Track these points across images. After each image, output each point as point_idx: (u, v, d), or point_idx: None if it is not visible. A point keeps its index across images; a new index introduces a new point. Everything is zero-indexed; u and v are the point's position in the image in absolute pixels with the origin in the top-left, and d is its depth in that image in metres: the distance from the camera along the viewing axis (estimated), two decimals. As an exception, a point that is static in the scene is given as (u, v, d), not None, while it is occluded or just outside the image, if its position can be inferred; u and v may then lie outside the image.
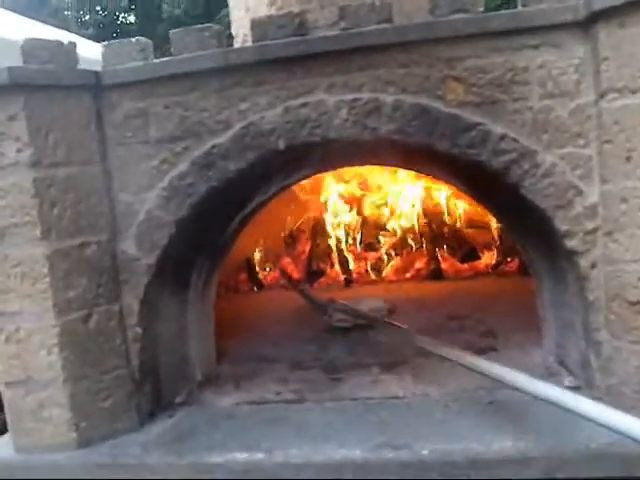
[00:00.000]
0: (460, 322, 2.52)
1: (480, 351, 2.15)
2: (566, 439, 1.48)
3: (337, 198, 3.50)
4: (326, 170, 2.08)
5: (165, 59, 1.66)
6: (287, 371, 2.14)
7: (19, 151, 1.58)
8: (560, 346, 1.90)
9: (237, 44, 2.14)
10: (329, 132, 1.60)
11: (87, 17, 15.81)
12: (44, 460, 1.66)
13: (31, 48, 1.57)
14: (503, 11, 1.57)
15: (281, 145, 1.62)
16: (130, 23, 16.85)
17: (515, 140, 1.57)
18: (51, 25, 4.73)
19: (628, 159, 1.45)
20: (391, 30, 1.56)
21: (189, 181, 1.67)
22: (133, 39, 1.67)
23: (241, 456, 1.56)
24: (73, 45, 1.66)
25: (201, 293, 2.09)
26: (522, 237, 1.96)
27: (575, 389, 1.74)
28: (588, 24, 1.49)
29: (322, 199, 3.52)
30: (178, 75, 1.65)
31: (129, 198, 1.72)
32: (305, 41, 1.58)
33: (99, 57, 1.72)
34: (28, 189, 1.59)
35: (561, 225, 1.57)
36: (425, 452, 1.49)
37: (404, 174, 3.30)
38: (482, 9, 1.54)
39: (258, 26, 1.60)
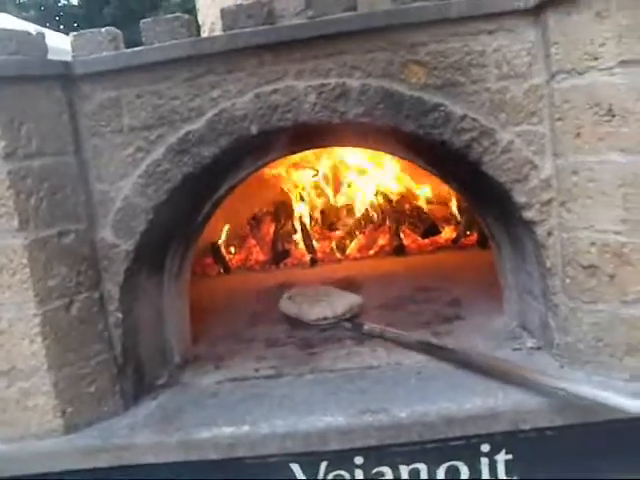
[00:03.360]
0: (426, 293, 2.64)
1: (446, 319, 2.28)
2: (530, 393, 1.62)
3: (301, 179, 3.56)
4: (295, 152, 2.15)
5: (137, 49, 1.69)
6: (263, 349, 2.21)
7: (-9, 143, 1.60)
8: (521, 311, 2.04)
9: (204, 33, 2.18)
10: (299, 116, 1.67)
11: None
12: (32, 448, 1.69)
13: (-2, 39, 1.58)
14: (460, -1, 1.65)
15: (253, 130, 1.67)
16: (73, 6, 16.32)
17: (475, 120, 1.67)
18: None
19: (578, 135, 1.56)
20: (356, 18, 1.63)
21: (165, 167, 1.71)
22: (103, 29, 1.69)
23: (228, 430, 1.64)
24: (42, 35, 1.68)
25: (176, 277, 2.14)
26: (483, 211, 2.07)
27: (537, 349, 1.89)
28: (538, 11, 1.59)
29: (285, 181, 3.58)
30: (150, 64, 1.68)
31: (105, 187, 1.75)
32: (274, 29, 1.64)
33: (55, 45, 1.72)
34: (3, 181, 1.60)
35: (519, 197, 1.68)
36: (403, 415, 1.60)
37: (366, 154, 3.39)
38: (441, -4, 1.62)
39: (228, 15, 1.64)
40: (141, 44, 1.71)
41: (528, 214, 1.69)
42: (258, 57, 1.66)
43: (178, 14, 1.69)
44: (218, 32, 1.84)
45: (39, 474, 1.66)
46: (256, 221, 3.66)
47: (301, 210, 3.58)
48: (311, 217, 3.58)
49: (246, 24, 1.64)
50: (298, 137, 1.83)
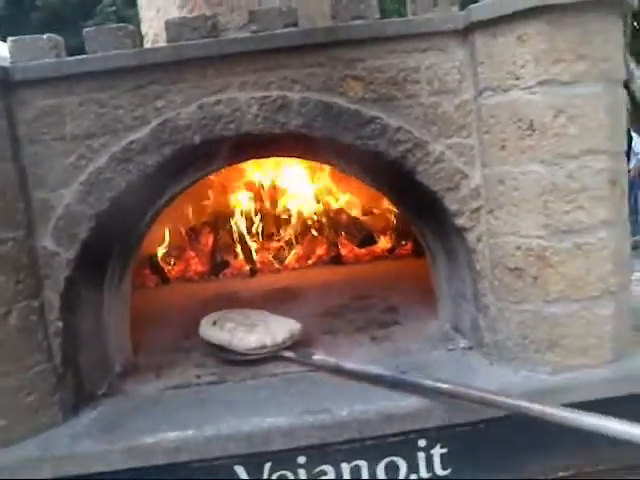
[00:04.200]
0: (363, 301, 2.72)
1: (384, 325, 2.37)
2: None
3: (238, 191, 3.60)
4: (237, 162, 2.19)
5: (80, 57, 1.70)
6: (203, 358, 2.22)
7: None
8: (454, 314, 2.15)
9: (147, 43, 2.20)
10: (242, 127, 1.72)
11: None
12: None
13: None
14: (396, 18, 1.76)
15: (197, 140, 1.71)
16: (-5, 8, 15.66)
17: (409, 132, 1.77)
18: None
19: (503, 147, 1.69)
20: (297, 33, 1.71)
21: (108, 176, 1.72)
22: (44, 36, 1.69)
23: (172, 434, 1.65)
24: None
25: (116, 287, 2.13)
26: (418, 219, 2.18)
27: (469, 349, 2.00)
28: (467, 33, 1.72)
29: (224, 193, 3.61)
30: (94, 73, 1.70)
31: (45, 194, 1.74)
32: (218, 42, 1.69)
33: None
34: (-61, 188, 1.58)
35: (450, 205, 1.79)
36: (343, 413, 1.66)
37: (304, 166, 3.47)
38: (378, 16, 1.72)
39: (172, 27, 1.68)
40: (74, 50, 1.72)
41: (459, 221, 1.80)
42: (202, 69, 1.70)
43: (122, 24, 1.71)
44: (162, 43, 1.88)
45: (-25, 488, 1.63)
46: (194, 232, 3.66)
47: (239, 221, 3.61)
48: (249, 228, 3.62)
49: (190, 36, 1.68)
50: (240, 147, 1.88)
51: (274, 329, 2.12)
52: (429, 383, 1.68)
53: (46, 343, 1.77)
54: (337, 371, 1.91)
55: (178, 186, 2.01)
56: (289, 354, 2.06)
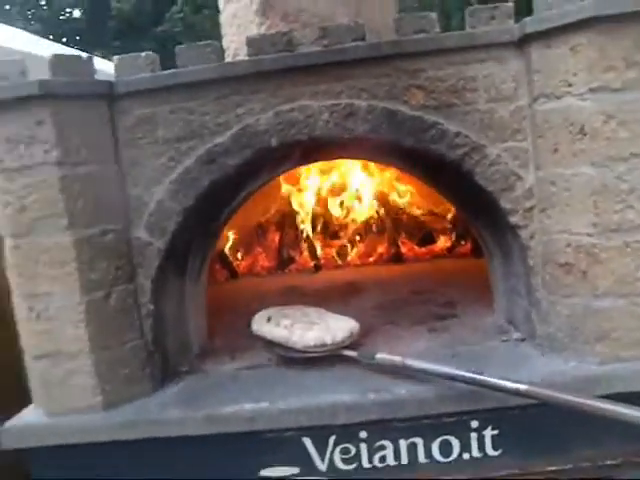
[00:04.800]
0: (422, 296, 2.86)
1: (441, 318, 2.51)
2: (515, 373, 1.84)
3: (304, 190, 3.80)
4: (306, 164, 2.39)
5: (171, 71, 1.92)
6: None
7: (46, 152, 1.82)
8: (509, 309, 2.27)
9: (228, 57, 2.42)
10: (314, 132, 1.91)
11: (31, 12, 15.57)
12: (75, 421, 1.90)
13: (57, 62, 1.81)
14: (456, 32, 1.90)
15: (273, 143, 1.91)
16: (76, 19, 16.62)
17: (467, 136, 1.91)
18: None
19: (555, 150, 1.81)
20: (364, 47, 1.88)
21: (194, 175, 1.94)
22: (143, 54, 1.93)
23: (248, 406, 1.85)
24: (90, 59, 1.91)
25: (196, 276, 2.36)
26: (475, 218, 2.31)
27: (522, 341, 2.12)
28: (522, 44, 1.84)
29: (290, 192, 3.82)
30: (183, 84, 1.92)
31: (140, 192, 1.98)
32: (292, 56, 1.88)
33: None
34: (55, 185, 1.83)
35: (505, 205, 1.92)
36: (403, 392, 1.82)
37: (366, 168, 3.64)
38: (438, 30, 1.87)
39: (253, 43, 1.88)
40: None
41: (513, 219, 1.92)
42: (278, 80, 1.90)
43: (209, 42, 1.93)
44: (242, 57, 2.09)
45: (81, 444, 1.88)
46: (262, 230, 3.89)
47: (304, 220, 3.81)
48: (314, 226, 3.81)
49: (268, 51, 1.88)
50: (310, 150, 2.07)
51: (333, 327, 2.11)
52: (506, 384, 1.69)
53: (139, 323, 2.00)
54: (403, 370, 1.89)
55: (253, 185, 2.22)
56: (350, 353, 2.06)
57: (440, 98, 1.90)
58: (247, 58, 1.91)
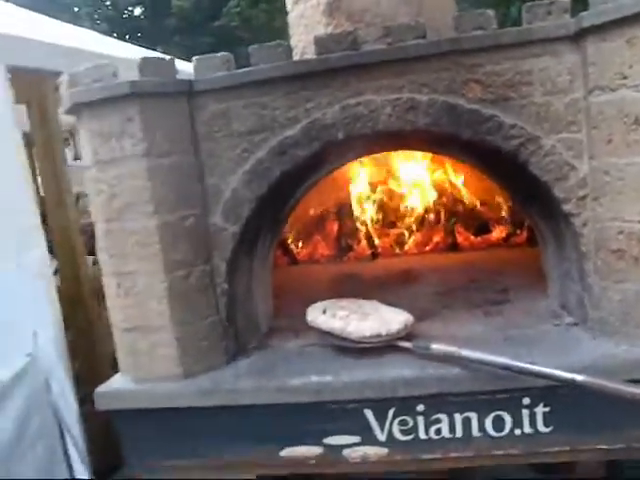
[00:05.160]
0: (478, 283, 2.95)
1: (496, 303, 2.60)
2: (566, 356, 1.94)
3: (362, 181, 3.93)
4: (369, 155, 2.52)
5: (245, 69, 2.09)
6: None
7: (134, 145, 2.02)
8: (562, 294, 2.35)
9: (296, 55, 2.57)
10: (377, 125, 2.04)
11: (97, 12, 16.21)
12: (160, 388, 2.11)
13: (144, 64, 2.01)
14: (513, 28, 1.99)
15: (340, 136, 2.05)
16: (137, 17, 17.20)
17: (522, 128, 2.00)
18: (63, 21, 4.96)
19: (609, 141, 1.88)
20: (425, 44, 1.99)
21: (266, 166, 2.11)
22: (219, 54, 2.10)
23: (315, 379, 2.02)
24: (172, 60, 2.10)
25: (263, 259, 2.54)
26: (529, 207, 2.40)
27: (574, 325, 2.20)
28: (578, 38, 1.91)
29: (348, 182, 3.95)
30: (255, 82, 2.08)
31: (216, 181, 2.16)
32: (358, 54, 2.02)
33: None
34: (142, 175, 2.03)
35: (559, 194, 2.00)
36: (459, 368, 1.94)
37: (423, 159, 3.74)
38: (495, 26, 1.97)
39: (320, 42, 2.03)
40: (205, 47, 2.08)
41: (567, 207, 2.01)
42: (344, 76, 2.04)
43: (279, 41, 2.08)
44: (309, 55, 2.24)
45: (164, 408, 2.08)
46: (321, 219, 4.04)
47: (362, 209, 3.94)
48: (371, 216, 3.94)
49: (335, 49, 2.02)
50: (373, 142, 2.20)
51: (388, 319, 2.15)
52: (562, 374, 1.76)
53: (214, 301, 2.19)
54: (458, 360, 1.94)
55: (317, 176, 2.38)
56: (405, 344, 2.10)
57: (497, 92, 2.00)
58: (315, 56, 2.05)
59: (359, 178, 3.96)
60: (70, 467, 2.58)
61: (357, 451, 2.03)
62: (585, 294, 2.09)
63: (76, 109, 2.12)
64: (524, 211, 2.51)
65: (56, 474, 2.51)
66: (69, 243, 3.66)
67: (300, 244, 4.01)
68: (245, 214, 2.14)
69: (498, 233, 3.78)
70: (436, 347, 2.00)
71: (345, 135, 2.05)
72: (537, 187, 2.08)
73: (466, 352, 1.93)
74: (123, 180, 2.04)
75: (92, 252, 4.56)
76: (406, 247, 3.78)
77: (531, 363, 1.85)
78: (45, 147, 3.67)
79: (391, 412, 2.00)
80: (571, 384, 1.75)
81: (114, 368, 2.28)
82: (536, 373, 1.82)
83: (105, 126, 2.03)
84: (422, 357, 2.04)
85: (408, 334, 2.15)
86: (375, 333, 2.09)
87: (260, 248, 2.47)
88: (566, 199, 2.00)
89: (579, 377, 1.74)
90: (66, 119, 4.05)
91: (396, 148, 2.47)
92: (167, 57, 2.12)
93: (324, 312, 2.24)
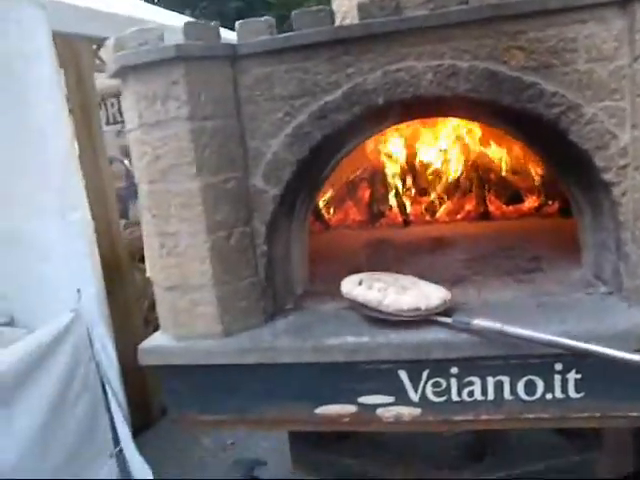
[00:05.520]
0: (509, 252, 2.96)
1: (528, 271, 2.62)
2: (600, 323, 1.97)
3: (395, 148, 3.93)
4: (407, 121, 2.54)
5: (287, 34, 2.10)
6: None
7: (179, 108, 2.06)
8: (597, 264, 2.35)
9: (338, 20, 2.57)
10: (418, 90, 2.04)
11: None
12: (199, 346, 2.19)
13: (189, 28, 2.04)
14: (558, -6, 1.97)
15: (380, 101, 2.07)
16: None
17: (564, 96, 1.99)
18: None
19: (654, 110, 1.88)
20: (468, 10, 1.98)
21: (307, 130, 2.13)
22: (262, 19, 2.12)
23: (351, 339, 2.07)
24: (217, 25, 2.13)
25: (301, 223, 2.58)
26: (566, 175, 2.40)
27: (608, 294, 2.22)
28: (626, 3, 1.88)
29: (380, 150, 3.96)
30: (298, 47, 2.09)
31: (257, 144, 2.19)
32: (400, 20, 2.01)
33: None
34: (186, 137, 2.07)
35: (600, 162, 2.00)
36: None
37: (456, 128, 3.72)
38: (540, -8, 1.95)
39: (363, 8, 2.03)
40: (228, 16, 2.09)
41: (606, 176, 2.01)
42: (386, 42, 2.04)
43: (322, 6, 2.09)
44: (350, 20, 2.24)
45: (204, 365, 2.17)
46: (353, 185, 4.07)
47: (394, 176, 3.95)
48: (404, 183, 3.95)
49: (377, 15, 2.02)
50: (413, 108, 2.21)
51: (427, 294, 2.10)
52: (618, 354, 1.73)
53: (254, 262, 2.25)
54: (501, 336, 1.90)
55: (356, 141, 2.40)
56: (444, 319, 2.05)
57: (539, 59, 1.99)
58: (357, 22, 2.06)
59: (392, 145, 3.97)
60: (112, 422, 2.70)
61: (390, 411, 2.10)
62: (621, 263, 2.10)
63: (122, 72, 2.16)
64: (561, 181, 2.50)
65: (99, 430, 2.63)
66: (105, 206, 3.77)
67: (332, 210, 4.05)
68: (286, 177, 2.18)
69: (530, 203, 3.77)
70: (477, 323, 1.95)
71: (385, 100, 2.06)
72: (576, 156, 2.07)
73: (509, 328, 1.88)
74: (167, 142, 2.09)
75: (122, 216, 4.68)
76: (437, 215, 3.80)
77: (583, 341, 1.83)
78: (81, 111, 3.74)
79: (425, 374, 2.05)
80: (626, 364, 1.74)
81: (147, 327, 2.37)
82: (589, 352, 1.80)
83: (150, 89, 2.08)
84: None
85: (447, 310, 2.12)
86: (413, 307, 2.05)
87: (298, 211, 2.51)
88: (606, 168, 2.00)
89: (637, 357, 1.73)
90: (99, 84, 4.13)
91: (435, 115, 2.47)
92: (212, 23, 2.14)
93: (360, 284, 2.21)
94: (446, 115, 2.56)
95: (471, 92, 2.03)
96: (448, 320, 2.04)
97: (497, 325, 1.91)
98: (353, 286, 2.22)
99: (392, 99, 2.06)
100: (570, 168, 2.30)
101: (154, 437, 3.86)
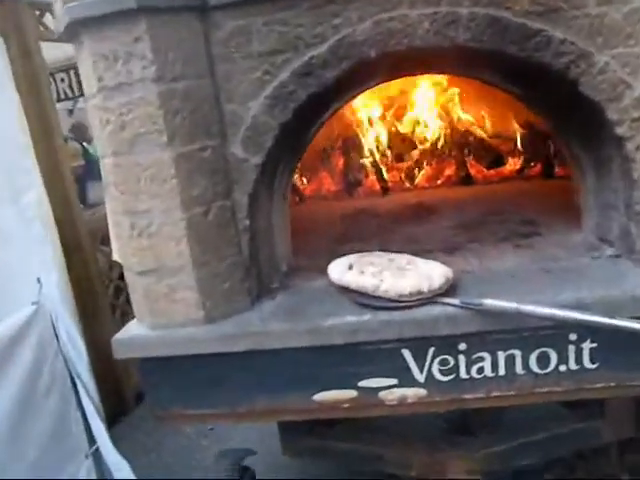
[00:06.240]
0: (499, 216, 2.83)
1: (525, 236, 2.48)
2: (616, 289, 1.84)
3: (368, 113, 3.73)
4: (397, 77, 2.33)
5: (266, -20, 1.87)
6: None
7: (144, 68, 1.80)
8: (600, 225, 2.22)
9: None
10: (414, 41, 1.84)
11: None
12: (178, 334, 1.98)
13: (151, -25, 1.77)
14: None
15: (372, 54, 1.86)
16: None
17: (573, 43, 1.82)
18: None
19: (674, 55, 1.72)
20: (467, -52, 1.78)
21: (290, 89, 1.91)
22: (236, -38, 1.87)
23: (351, 318, 1.89)
24: (183, -29, 1.86)
25: (282, 193, 2.36)
26: (568, 133, 2.24)
27: (616, 257, 2.09)
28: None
29: (354, 115, 3.75)
30: (276, -5, 1.87)
31: (235, 107, 1.96)
32: (391, -40, 1.80)
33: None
34: (154, 101, 1.82)
35: (612, 115, 1.85)
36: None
37: (431, 88, 3.54)
38: None
39: (350, -53, 1.80)
40: None
41: (620, 130, 1.86)
42: (376, -13, 1.83)
43: (303, -51, 1.85)
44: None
45: (186, 355, 1.96)
46: (326, 154, 3.86)
47: (369, 142, 3.76)
48: (379, 148, 3.77)
49: (365, -44, 1.80)
50: (406, 62, 2.01)
51: (427, 273, 1.89)
52: None
53: (236, 239, 2.03)
54: (517, 317, 1.75)
55: (345, 98, 2.19)
56: (452, 300, 1.87)
57: (547, 3, 1.81)
58: (341, -35, 1.83)
59: (365, 110, 3.77)
60: (84, 415, 2.48)
61: (394, 393, 1.93)
62: (631, 223, 1.97)
63: (73, 31, 1.88)
64: (561, 139, 2.35)
65: (71, 424, 2.41)
66: (62, 186, 3.47)
67: (305, 180, 3.84)
68: (267, 143, 1.96)
69: (512, 165, 3.64)
70: (490, 303, 1.76)
71: (377, 53, 1.85)
72: (585, 110, 1.92)
73: (526, 307, 1.71)
74: (132, 108, 1.84)
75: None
76: (416, 181, 3.63)
77: (611, 317, 1.67)
78: (29, 84, 3.40)
79: (431, 352, 1.89)
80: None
81: (113, 313, 2.15)
82: (622, 328, 1.65)
83: (109, 47, 1.81)
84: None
85: (450, 288, 1.93)
86: (416, 290, 1.84)
87: (279, 181, 2.29)
88: (619, 121, 1.85)
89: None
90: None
91: (430, 69, 2.27)
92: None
93: (350, 268, 1.98)
94: (442, 71, 2.37)
95: (472, 41, 1.84)
96: (456, 302, 1.86)
97: (512, 305, 1.73)
98: (343, 271, 1.99)
99: (385, 52, 1.85)
100: (576, 126, 2.14)
101: (129, 427, 3.64)
